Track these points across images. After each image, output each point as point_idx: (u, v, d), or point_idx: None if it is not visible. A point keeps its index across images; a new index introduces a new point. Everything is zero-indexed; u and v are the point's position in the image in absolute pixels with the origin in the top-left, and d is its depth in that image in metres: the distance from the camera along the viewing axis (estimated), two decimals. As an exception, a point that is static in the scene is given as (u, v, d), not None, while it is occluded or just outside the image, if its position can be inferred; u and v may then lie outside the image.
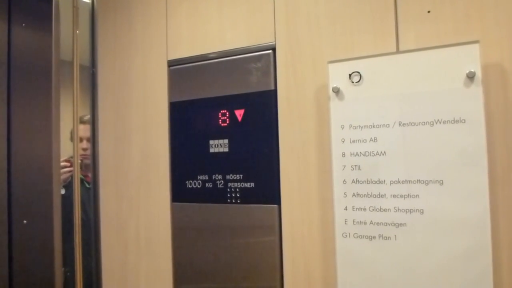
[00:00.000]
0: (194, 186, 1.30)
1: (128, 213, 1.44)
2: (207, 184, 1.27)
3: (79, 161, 1.47)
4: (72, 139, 1.48)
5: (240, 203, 1.21)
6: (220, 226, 1.25)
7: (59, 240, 1.33)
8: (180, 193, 1.33)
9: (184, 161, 1.32)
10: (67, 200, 1.43)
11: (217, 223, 1.26)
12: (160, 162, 1.37)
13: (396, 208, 0.99)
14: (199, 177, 1.29)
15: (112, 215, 1.47)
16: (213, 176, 1.26)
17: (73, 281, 1.42)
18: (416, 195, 0.97)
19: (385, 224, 1.00)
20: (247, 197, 1.20)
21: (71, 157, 1.46)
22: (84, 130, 1.55)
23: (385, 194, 1.00)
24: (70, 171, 1.46)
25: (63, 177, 1.45)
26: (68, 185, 1.46)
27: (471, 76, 0.93)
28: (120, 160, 1.46)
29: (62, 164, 1.43)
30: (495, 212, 0.93)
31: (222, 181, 1.24)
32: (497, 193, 0.94)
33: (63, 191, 1.45)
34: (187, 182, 1.31)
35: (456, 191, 0.93)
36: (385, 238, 0.99)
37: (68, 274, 1.43)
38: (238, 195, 1.22)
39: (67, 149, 1.45)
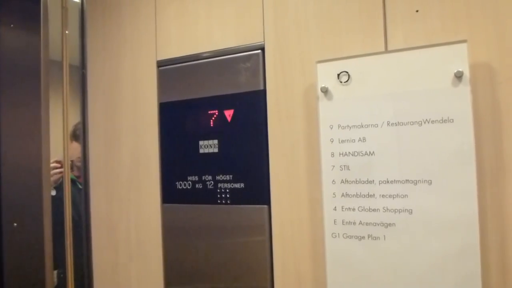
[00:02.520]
0: (184, 187, 1.30)
1: (119, 215, 1.44)
2: (197, 185, 1.27)
3: (70, 161, 1.46)
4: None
5: (230, 203, 1.21)
6: (210, 227, 1.25)
7: (49, 243, 1.32)
8: (170, 194, 1.32)
9: (174, 162, 1.32)
10: (59, 201, 1.43)
11: (208, 224, 1.25)
12: (150, 163, 1.37)
13: (385, 208, 0.99)
14: (189, 178, 1.28)
15: (103, 216, 1.47)
16: (203, 177, 1.26)
17: (65, 282, 1.42)
18: (405, 195, 0.97)
19: (374, 224, 1.00)
20: (237, 197, 1.20)
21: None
22: (75, 149, 1.54)
23: (374, 194, 1.00)
24: (60, 172, 1.45)
25: (53, 178, 1.45)
26: (60, 186, 1.45)
27: (459, 76, 0.93)
28: (110, 161, 1.45)
29: (53, 165, 1.42)
30: (484, 212, 0.93)
31: (212, 182, 1.24)
32: (486, 193, 0.94)
33: (53, 192, 1.44)
34: (177, 183, 1.31)
35: (445, 191, 0.93)
36: (374, 238, 1.00)
37: (62, 275, 1.43)
38: (228, 195, 1.22)
39: (58, 150, 1.44)
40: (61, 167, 1.45)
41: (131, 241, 1.41)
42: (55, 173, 1.46)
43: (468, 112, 0.92)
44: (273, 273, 1.17)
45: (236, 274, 1.21)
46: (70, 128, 1.50)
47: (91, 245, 1.48)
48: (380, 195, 0.99)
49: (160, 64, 1.36)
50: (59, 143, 1.45)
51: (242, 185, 1.19)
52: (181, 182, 1.30)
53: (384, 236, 0.99)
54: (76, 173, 1.56)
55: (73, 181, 1.50)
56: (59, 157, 1.45)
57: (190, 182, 1.28)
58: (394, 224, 0.98)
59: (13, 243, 1.29)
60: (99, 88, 1.49)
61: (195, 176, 1.27)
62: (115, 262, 1.44)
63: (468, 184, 0.91)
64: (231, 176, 1.21)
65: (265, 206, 1.17)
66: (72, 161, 1.52)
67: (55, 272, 1.41)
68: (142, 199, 1.39)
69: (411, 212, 0.96)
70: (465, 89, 0.93)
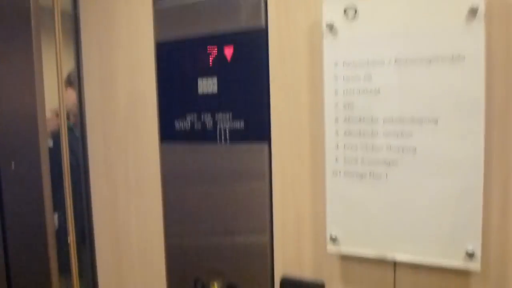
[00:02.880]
0: (183, 127, 1.27)
1: (117, 157, 1.42)
2: (196, 125, 1.24)
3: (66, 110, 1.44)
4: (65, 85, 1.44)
5: (230, 142, 1.19)
6: (210, 166, 1.24)
7: (48, 184, 1.32)
8: (168, 133, 1.30)
9: (173, 102, 1.28)
10: (57, 151, 1.42)
11: (207, 163, 1.24)
12: (148, 103, 1.33)
13: (388, 146, 0.96)
14: (188, 117, 1.25)
15: (100, 159, 1.45)
16: (202, 116, 1.23)
17: (66, 225, 1.44)
18: (410, 134, 0.94)
19: (377, 162, 0.98)
20: (237, 135, 1.18)
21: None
22: (70, 95, 1.50)
23: (377, 132, 0.97)
24: (57, 123, 1.44)
25: (50, 128, 1.43)
26: (57, 136, 1.44)
27: (473, 11, 0.87)
28: (106, 104, 1.42)
29: (49, 115, 1.41)
30: (489, 154, 0.91)
31: (212, 121, 1.21)
32: (493, 135, 0.91)
33: (51, 143, 1.43)
34: (175, 122, 1.28)
35: (451, 131, 0.90)
36: (376, 176, 0.98)
37: (62, 218, 1.45)
38: (227, 134, 1.19)
39: (52, 97, 1.42)
40: (56, 116, 1.44)
41: (130, 181, 1.41)
42: (52, 125, 1.44)
43: (481, 50, 0.87)
44: (272, 212, 1.17)
45: (235, 213, 1.21)
46: (65, 74, 1.47)
47: (90, 188, 1.48)
48: (383, 133, 0.97)
49: (156, 0, 1.29)
50: (53, 91, 1.42)
51: (242, 123, 1.17)
52: (180, 122, 1.27)
53: (386, 174, 0.97)
54: (72, 120, 1.55)
55: (70, 129, 1.49)
56: (54, 104, 1.43)
57: (189, 121, 1.25)
58: (397, 162, 0.96)
59: (11, 183, 1.30)
60: (92, 30, 1.42)
61: (194, 115, 1.24)
62: (114, 203, 1.45)
63: (475, 124, 0.88)
64: (230, 114, 1.18)
65: (265, 143, 1.15)
66: (68, 110, 1.50)
67: (55, 215, 1.43)
68: (140, 139, 1.37)
69: (415, 150, 0.94)
70: (479, 26, 0.87)
